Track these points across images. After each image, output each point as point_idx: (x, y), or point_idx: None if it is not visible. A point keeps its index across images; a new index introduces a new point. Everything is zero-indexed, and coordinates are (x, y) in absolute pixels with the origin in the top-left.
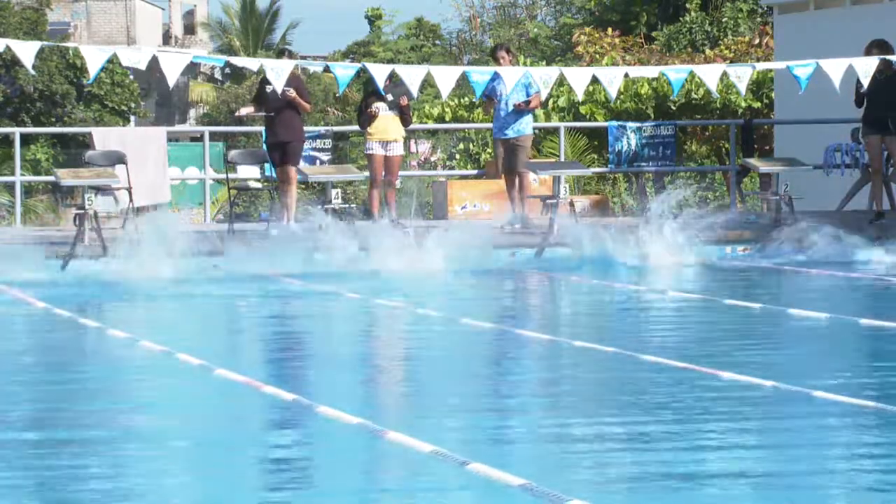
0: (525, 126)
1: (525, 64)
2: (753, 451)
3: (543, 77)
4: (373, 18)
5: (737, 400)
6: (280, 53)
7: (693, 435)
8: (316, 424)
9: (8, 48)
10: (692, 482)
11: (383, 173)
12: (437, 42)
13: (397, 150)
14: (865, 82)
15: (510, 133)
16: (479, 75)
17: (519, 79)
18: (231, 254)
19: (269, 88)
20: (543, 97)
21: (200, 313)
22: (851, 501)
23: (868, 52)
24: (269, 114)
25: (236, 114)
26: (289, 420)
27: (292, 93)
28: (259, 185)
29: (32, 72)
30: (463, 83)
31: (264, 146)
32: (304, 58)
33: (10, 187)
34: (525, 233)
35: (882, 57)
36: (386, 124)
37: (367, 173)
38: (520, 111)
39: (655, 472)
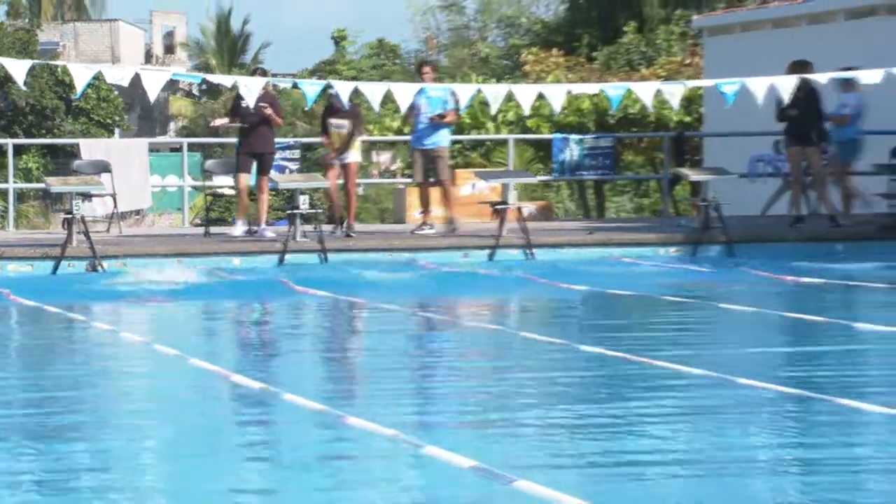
0: (441, 138)
1: (477, 81)
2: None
3: (494, 93)
4: (338, 39)
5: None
6: (254, 72)
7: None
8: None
9: (1, 66)
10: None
11: (341, 180)
12: (397, 61)
13: (352, 157)
14: (786, 98)
15: (428, 144)
16: (436, 91)
17: (438, 94)
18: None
19: (243, 103)
20: (493, 112)
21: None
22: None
23: (793, 70)
24: (243, 125)
25: (212, 124)
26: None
27: (268, 109)
28: (233, 192)
29: (24, 88)
30: None
31: (237, 156)
32: (274, 75)
33: (3, 194)
34: (452, 235)
35: (802, 75)
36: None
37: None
38: (436, 124)
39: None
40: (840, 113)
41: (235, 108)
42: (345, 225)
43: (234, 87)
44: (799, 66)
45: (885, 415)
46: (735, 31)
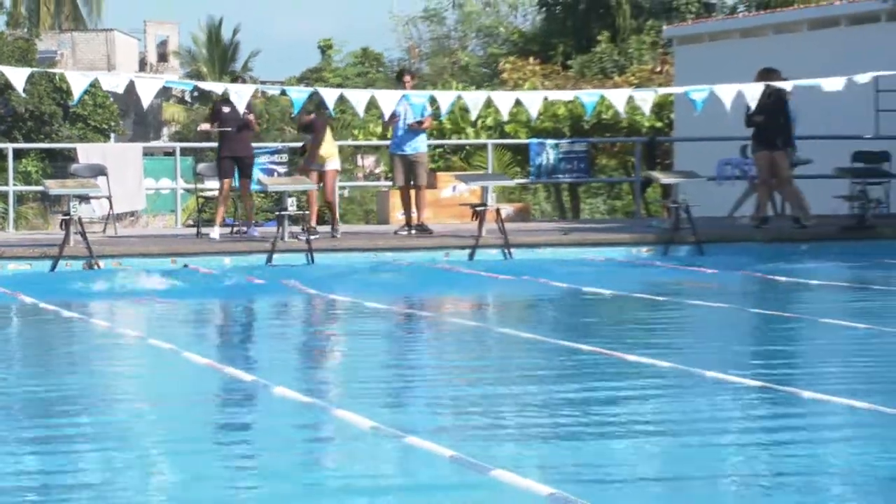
0: (420, 144)
1: (457, 88)
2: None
3: (474, 100)
4: (324, 48)
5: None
6: (235, 79)
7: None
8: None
9: (1, 74)
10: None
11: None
12: (381, 69)
13: (329, 165)
14: (752, 105)
15: (407, 150)
16: (418, 98)
17: (420, 101)
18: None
19: (225, 109)
20: (473, 117)
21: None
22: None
23: (761, 77)
24: (226, 130)
25: (198, 129)
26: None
27: (252, 116)
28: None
29: (23, 94)
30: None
31: (218, 160)
32: (263, 82)
33: (3, 196)
34: (423, 236)
35: (769, 82)
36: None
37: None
38: (415, 130)
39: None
40: None
41: (216, 114)
42: (308, 229)
43: (225, 94)
44: (767, 74)
45: (843, 405)
46: (704, 41)
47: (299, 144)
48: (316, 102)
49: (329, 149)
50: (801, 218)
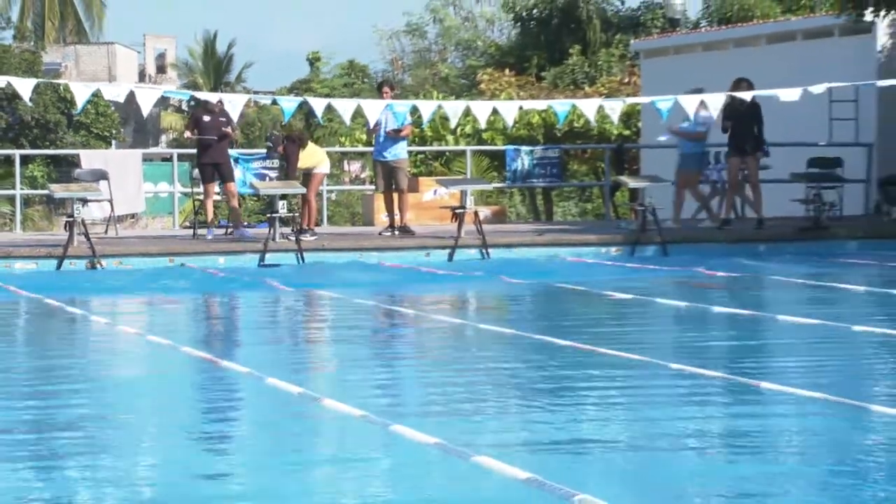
0: (400, 151)
1: (438, 98)
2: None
3: (453, 109)
4: (313, 60)
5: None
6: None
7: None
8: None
9: (9, 84)
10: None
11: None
12: (366, 80)
13: (318, 169)
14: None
15: (388, 156)
16: (401, 108)
17: (402, 110)
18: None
19: (205, 118)
20: (452, 125)
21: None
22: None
23: (737, 87)
24: (207, 137)
25: (185, 135)
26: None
27: (229, 129)
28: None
29: (30, 104)
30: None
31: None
32: (256, 93)
33: (11, 199)
34: (405, 237)
35: (729, 93)
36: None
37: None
38: (395, 138)
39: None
40: (697, 130)
41: (196, 122)
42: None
43: (205, 104)
44: (740, 83)
45: (798, 396)
46: (669, 54)
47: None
48: (283, 136)
49: (317, 157)
50: (763, 220)
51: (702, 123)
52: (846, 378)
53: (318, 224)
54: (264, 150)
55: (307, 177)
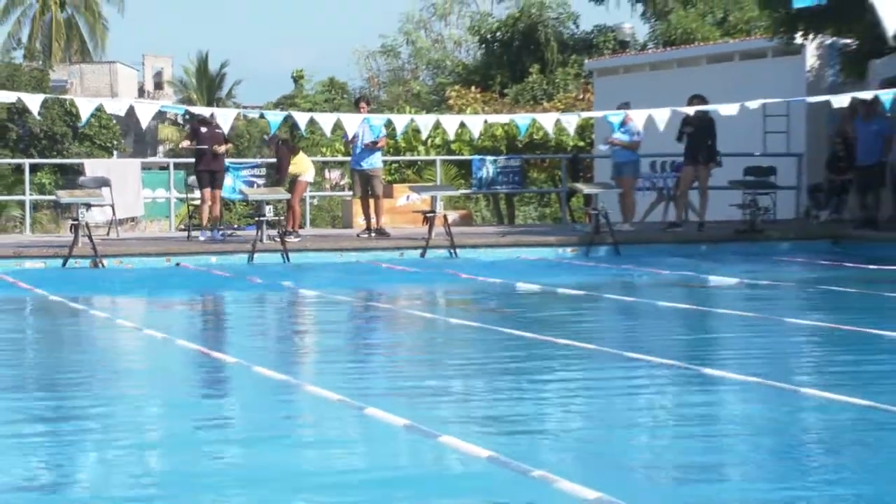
0: (375, 160)
1: (410, 113)
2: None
3: (424, 122)
4: (297, 78)
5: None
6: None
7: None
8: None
9: (20, 99)
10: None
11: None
12: (345, 96)
13: (301, 178)
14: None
15: (364, 165)
16: (377, 121)
17: (377, 123)
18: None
19: (203, 129)
20: (424, 137)
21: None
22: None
23: (690, 103)
24: (202, 148)
25: (181, 146)
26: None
27: (224, 148)
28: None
29: (38, 117)
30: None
31: (196, 173)
32: (245, 107)
33: (21, 204)
34: (381, 238)
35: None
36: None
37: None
38: (371, 149)
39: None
40: (633, 140)
41: (194, 133)
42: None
43: (202, 116)
44: (695, 99)
45: (738, 381)
46: (619, 73)
47: (274, 160)
48: (280, 138)
49: (303, 166)
50: (704, 224)
51: (636, 133)
52: (780, 364)
53: (301, 227)
54: (252, 161)
55: (292, 183)
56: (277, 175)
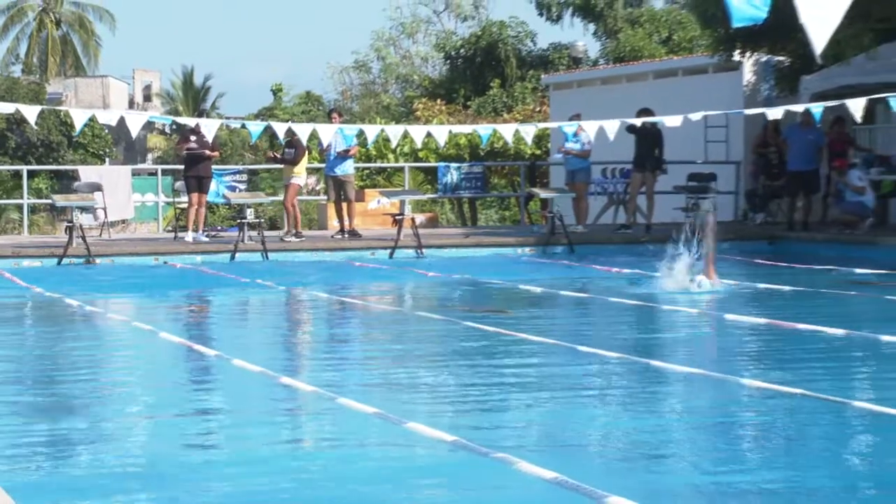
0: (348, 167)
1: (380, 123)
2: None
3: (394, 132)
4: (276, 91)
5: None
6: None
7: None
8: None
9: (18, 110)
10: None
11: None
12: (320, 108)
13: (292, 180)
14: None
15: (338, 172)
16: (349, 131)
17: (350, 133)
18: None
19: (192, 138)
20: (393, 146)
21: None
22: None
23: (639, 115)
24: (195, 153)
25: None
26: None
27: (208, 152)
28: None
29: (35, 127)
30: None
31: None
32: (228, 118)
33: (19, 207)
34: (353, 239)
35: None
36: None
37: (272, 198)
38: (342, 156)
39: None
40: (584, 148)
41: (186, 140)
42: (288, 231)
43: (190, 127)
44: (644, 112)
45: (678, 372)
46: (573, 87)
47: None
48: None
49: (294, 169)
50: (650, 226)
51: (587, 142)
52: (716, 356)
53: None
54: (234, 167)
55: (285, 187)
56: (290, 161)
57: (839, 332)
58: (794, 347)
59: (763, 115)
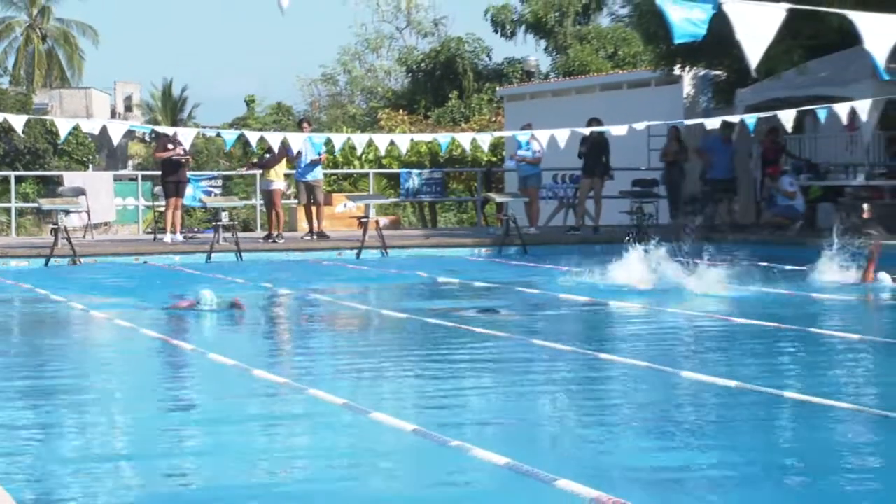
0: (317, 173)
1: (347, 132)
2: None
3: (359, 140)
4: (249, 102)
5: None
6: (299, 123)
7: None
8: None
9: (5, 119)
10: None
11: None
12: (291, 118)
13: (273, 185)
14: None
15: (309, 178)
16: (318, 139)
17: (318, 141)
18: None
19: (170, 146)
20: (359, 153)
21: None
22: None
23: (589, 124)
24: (176, 157)
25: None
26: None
27: (188, 156)
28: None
29: (22, 135)
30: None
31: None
32: (203, 127)
33: (7, 210)
34: (322, 240)
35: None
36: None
37: (245, 202)
38: (313, 163)
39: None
40: (535, 156)
41: (165, 148)
42: (275, 234)
43: (175, 135)
44: (593, 121)
45: (623, 364)
46: (526, 99)
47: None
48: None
49: (273, 174)
50: (598, 228)
51: (537, 150)
52: (662, 350)
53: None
54: (210, 173)
55: (269, 194)
56: (267, 164)
57: None
58: (728, 343)
59: (702, 126)
